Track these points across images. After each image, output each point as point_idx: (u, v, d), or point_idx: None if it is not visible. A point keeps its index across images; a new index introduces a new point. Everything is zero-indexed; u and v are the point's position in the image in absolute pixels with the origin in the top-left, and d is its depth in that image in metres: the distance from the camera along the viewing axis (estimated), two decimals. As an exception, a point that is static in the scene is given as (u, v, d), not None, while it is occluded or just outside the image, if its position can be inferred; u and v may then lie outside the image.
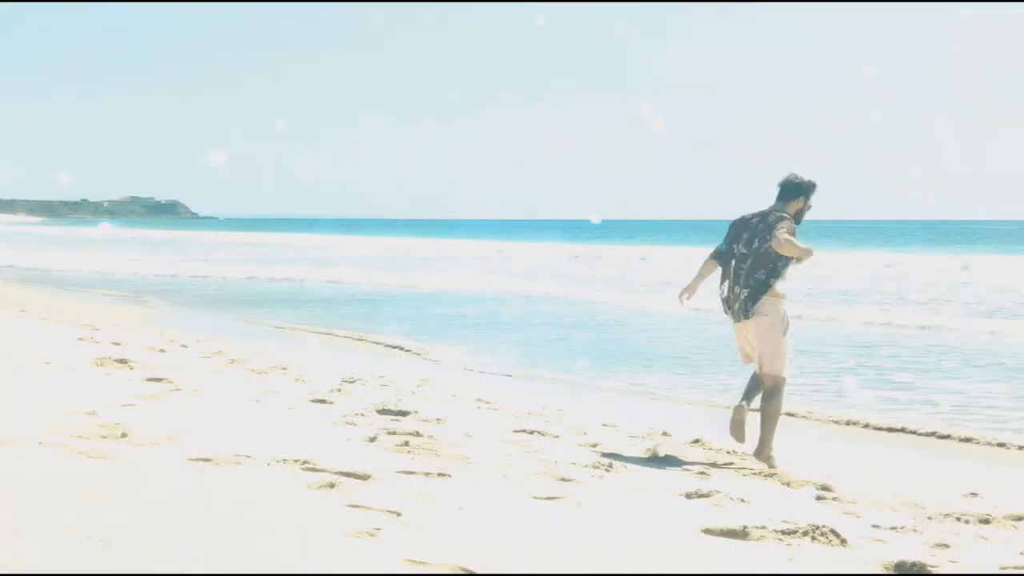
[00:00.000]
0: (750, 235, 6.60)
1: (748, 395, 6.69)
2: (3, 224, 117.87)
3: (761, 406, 6.69)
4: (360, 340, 14.71)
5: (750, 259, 6.55)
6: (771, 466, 6.48)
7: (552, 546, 3.69)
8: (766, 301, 6.54)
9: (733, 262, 6.65)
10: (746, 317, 6.57)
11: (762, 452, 6.61)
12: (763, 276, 6.51)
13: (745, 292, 6.56)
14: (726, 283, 6.72)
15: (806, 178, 6.69)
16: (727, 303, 6.71)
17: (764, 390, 6.68)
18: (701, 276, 6.91)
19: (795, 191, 6.65)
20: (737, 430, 6.56)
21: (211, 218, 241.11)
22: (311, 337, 15.15)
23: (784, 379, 6.68)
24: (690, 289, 6.89)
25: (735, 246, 6.67)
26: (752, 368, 6.78)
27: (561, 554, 3.58)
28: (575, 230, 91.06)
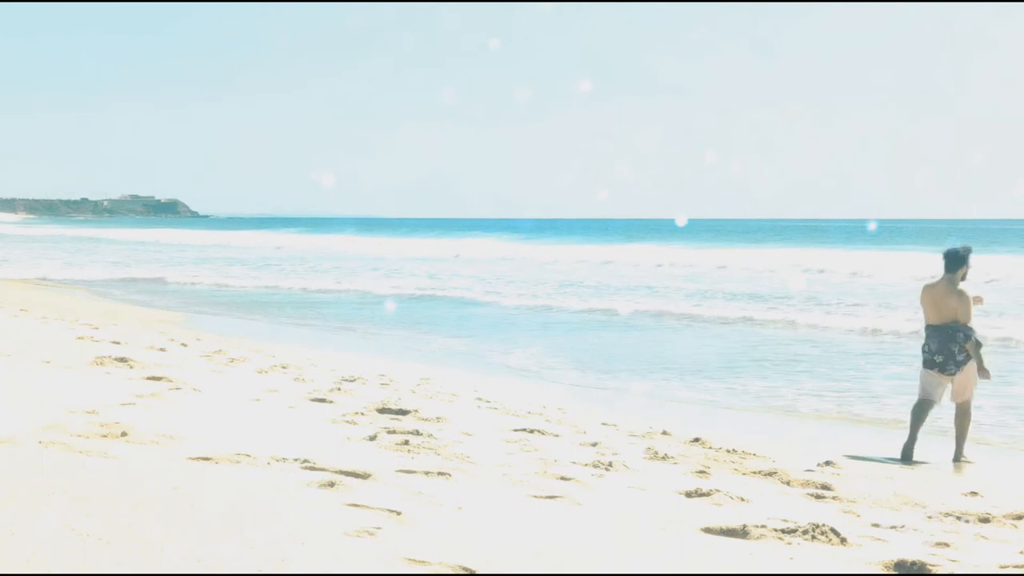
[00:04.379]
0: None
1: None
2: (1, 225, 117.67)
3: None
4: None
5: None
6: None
7: (552, 545, 3.68)
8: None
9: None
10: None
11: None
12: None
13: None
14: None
15: (961, 247, 8.21)
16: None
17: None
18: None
19: (960, 261, 8.14)
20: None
21: (206, 217, 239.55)
22: (327, 339, 15.14)
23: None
24: None
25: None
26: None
27: (561, 553, 3.58)
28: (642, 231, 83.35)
